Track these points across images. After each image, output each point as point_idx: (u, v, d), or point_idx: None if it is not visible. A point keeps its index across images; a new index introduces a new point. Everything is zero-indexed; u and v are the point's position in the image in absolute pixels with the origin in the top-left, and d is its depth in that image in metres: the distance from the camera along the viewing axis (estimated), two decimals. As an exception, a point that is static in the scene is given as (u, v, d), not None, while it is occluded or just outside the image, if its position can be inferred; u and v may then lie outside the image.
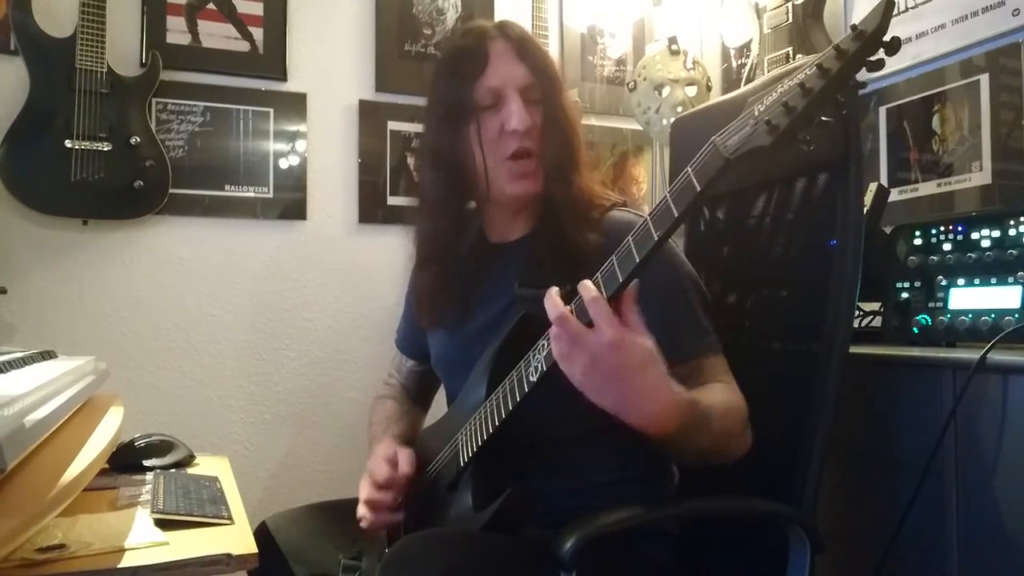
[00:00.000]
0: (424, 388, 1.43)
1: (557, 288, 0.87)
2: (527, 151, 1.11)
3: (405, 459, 1.13)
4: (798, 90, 0.73)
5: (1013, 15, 1.64)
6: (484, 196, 1.16)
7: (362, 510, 1.12)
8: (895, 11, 1.88)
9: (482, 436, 1.01)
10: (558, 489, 1.07)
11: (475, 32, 1.17)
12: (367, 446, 1.31)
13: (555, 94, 1.14)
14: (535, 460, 1.08)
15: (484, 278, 1.19)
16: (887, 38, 0.70)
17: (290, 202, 2.15)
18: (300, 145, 2.16)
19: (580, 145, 1.16)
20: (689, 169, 0.80)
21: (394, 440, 1.22)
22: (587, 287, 0.84)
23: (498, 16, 2.34)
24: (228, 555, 0.95)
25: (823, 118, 0.74)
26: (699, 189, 0.79)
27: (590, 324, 0.82)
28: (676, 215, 0.80)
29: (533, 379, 0.93)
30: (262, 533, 1.19)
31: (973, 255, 1.28)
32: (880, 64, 0.72)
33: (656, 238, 0.82)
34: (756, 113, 0.76)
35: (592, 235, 1.07)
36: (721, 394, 1.01)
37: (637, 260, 0.82)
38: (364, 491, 1.13)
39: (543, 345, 0.93)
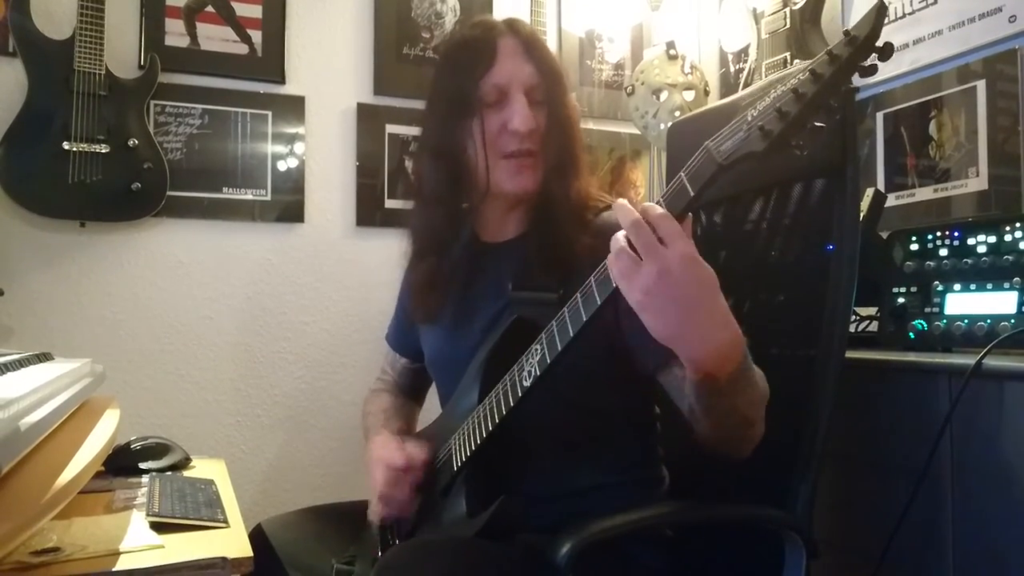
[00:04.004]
0: (417, 385, 1.43)
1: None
2: (527, 151, 1.11)
3: (417, 445, 1.12)
4: (791, 95, 0.73)
5: (1010, 21, 1.64)
6: (481, 190, 1.15)
7: (376, 507, 1.11)
8: (892, 17, 1.90)
9: (475, 441, 1.01)
10: (550, 494, 1.07)
11: (484, 25, 1.16)
12: (363, 437, 1.31)
13: (560, 96, 1.14)
14: (527, 465, 1.08)
15: (478, 278, 1.19)
16: (879, 43, 0.71)
17: (288, 205, 2.15)
18: (298, 148, 2.16)
19: (580, 148, 1.16)
20: (683, 174, 0.80)
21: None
22: (653, 205, 0.79)
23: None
24: (223, 558, 0.95)
25: (816, 123, 0.74)
26: (692, 194, 0.79)
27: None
28: None
29: (527, 383, 0.93)
30: (257, 536, 1.19)
31: (969, 260, 1.28)
32: (873, 69, 0.72)
33: None
34: (749, 118, 0.76)
35: (584, 237, 1.07)
36: None
37: None
38: (381, 478, 1.10)
39: (536, 350, 0.93)
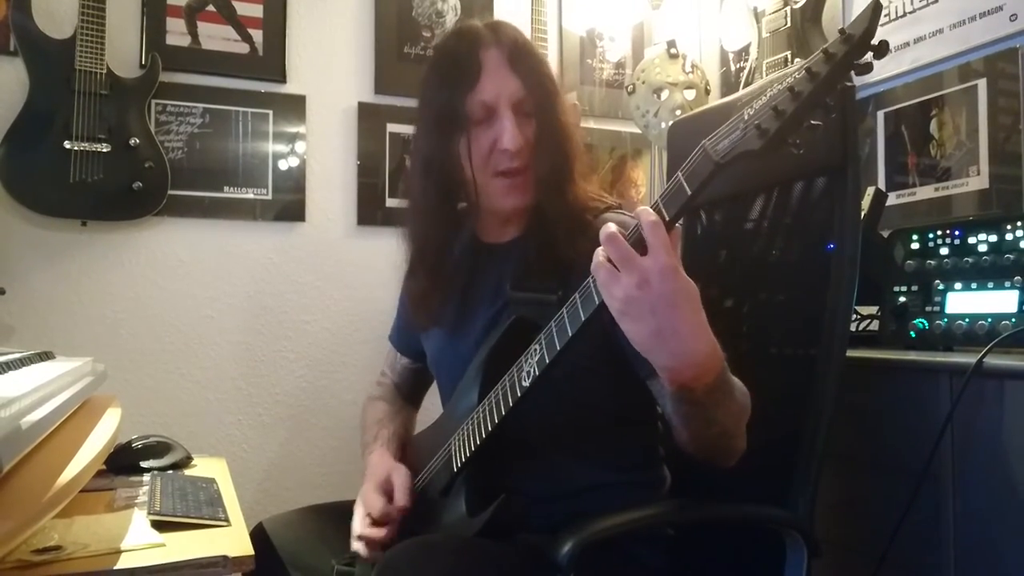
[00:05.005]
0: (417, 385, 1.42)
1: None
2: (518, 169, 1.10)
3: (401, 487, 1.10)
4: (787, 94, 0.73)
5: (1011, 20, 1.64)
6: (474, 203, 1.15)
7: (357, 544, 1.10)
8: (893, 16, 1.89)
9: (475, 441, 1.01)
10: (551, 493, 1.07)
11: (468, 36, 1.13)
12: (360, 452, 1.31)
13: (549, 105, 1.11)
14: (527, 464, 1.08)
15: (478, 279, 1.19)
16: (875, 41, 0.71)
17: (289, 204, 2.15)
18: (299, 147, 2.16)
19: (575, 153, 1.14)
20: (680, 174, 0.80)
21: (387, 450, 1.21)
22: (648, 211, 0.80)
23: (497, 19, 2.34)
24: (224, 557, 0.95)
25: (813, 122, 0.74)
26: (690, 193, 0.79)
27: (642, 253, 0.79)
28: (667, 219, 0.80)
29: (526, 384, 0.93)
30: (259, 535, 1.19)
31: (970, 259, 1.28)
32: (869, 67, 0.72)
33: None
34: (746, 117, 0.76)
35: (583, 239, 1.04)
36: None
37: None
38: (358, 524, 1.10)
39: (535, 350, 0.93)
